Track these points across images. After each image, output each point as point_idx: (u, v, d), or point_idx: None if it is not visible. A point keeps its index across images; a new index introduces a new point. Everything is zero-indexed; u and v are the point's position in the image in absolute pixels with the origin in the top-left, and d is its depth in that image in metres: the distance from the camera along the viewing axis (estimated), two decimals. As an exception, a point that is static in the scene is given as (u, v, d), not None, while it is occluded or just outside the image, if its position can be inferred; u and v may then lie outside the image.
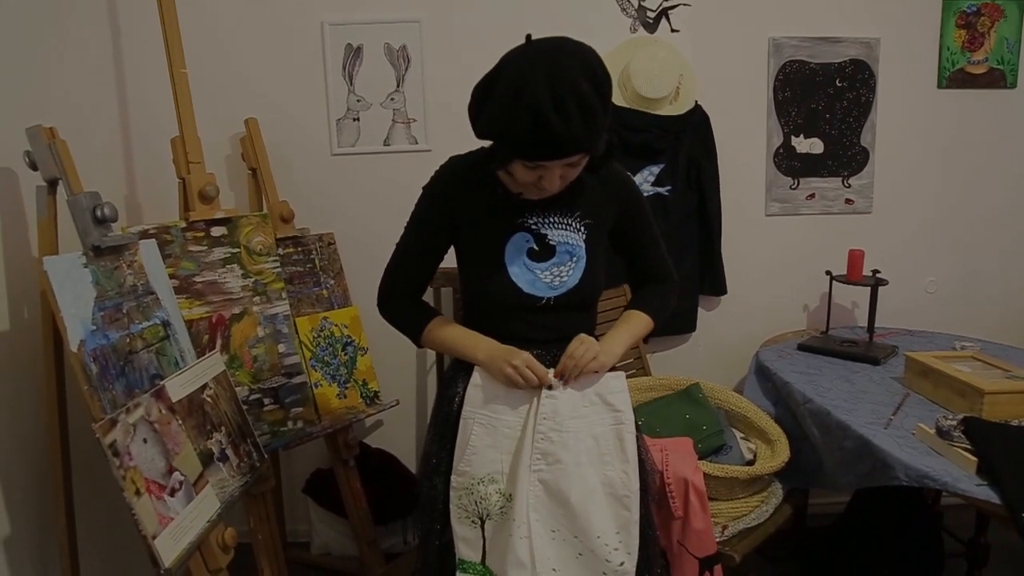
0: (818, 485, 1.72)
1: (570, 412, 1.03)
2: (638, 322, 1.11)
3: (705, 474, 1.51)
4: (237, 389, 1.50)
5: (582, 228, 1.05)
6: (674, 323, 2.17)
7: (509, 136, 0.89)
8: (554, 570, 1.02)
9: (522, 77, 0.86)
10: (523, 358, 1.00)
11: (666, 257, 1.17)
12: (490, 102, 0.91)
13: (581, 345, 1.01)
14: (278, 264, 1.73)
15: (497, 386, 1.02)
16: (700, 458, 1.60)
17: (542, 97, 0.85)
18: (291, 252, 1.86)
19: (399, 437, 2.28)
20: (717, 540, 1.54)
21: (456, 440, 1.08)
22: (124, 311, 1.24)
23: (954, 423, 1.39)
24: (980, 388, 1.47)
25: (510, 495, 1.02)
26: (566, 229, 1.04)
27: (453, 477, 1.05)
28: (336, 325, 1.87)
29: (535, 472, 1.01)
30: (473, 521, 1.04)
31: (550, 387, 0.98)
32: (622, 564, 1.03)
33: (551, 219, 1.03)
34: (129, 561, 1.70)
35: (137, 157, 1.91)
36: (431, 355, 2.17)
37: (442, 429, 1.14)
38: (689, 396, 1.77)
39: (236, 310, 1.65)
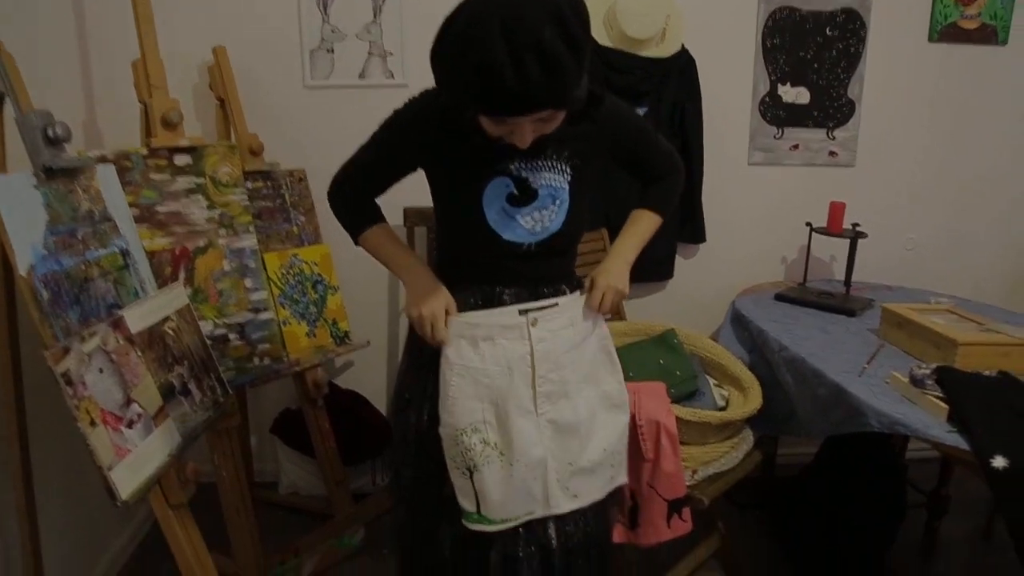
0: (790, 432, 1.72)
1: (562, 347, 1.02)
2: (647, 224, 1.08)
3: (677, 418, 1.48)
4: (201, 323, 1.47)
5: (568, 170, 1.01)
6: (652, 270, 2.15)
7: (464, 90, 0.82)
8: (575, 496, 1.04)
9: (475, 24, 0.77)
10: (432, 311, 0.95)
11: (666, 151, 1.12)
12: (442, 52, 0.83)
13: (601, 294, 0.99)
14: (246, 197, 1.69)
15: (473, 338, 1.00)
16: (673, 403, 1.56)
17: (495, 48, 0.75)
18: (260, 187, 1.80)
19: (369, 378, 2.24)
20: (687, 484, 1.53)
21: (430, 375, 1.07)
22: (79, 237, 1.21)
23: (927, 372, 1.40)
24: (954, 339, 1.47)
25: (501, 445, 1.00)
26: (550, 171, 0.99)
27: (440, 427, 1.03)
28: (306, 263, 1.83)
29: (543, 415, 1.00)
30: (463, 472, 1.03)
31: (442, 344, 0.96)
32: (620, 463, 1.09)
33: (534, 163, 0.98)
34: (88, 494, 1.69)
35: (98, 81, 1.83)
36: (404, 296, 2.01)
37: (416, 361, 1.11)
38: (664, 342, 1.73)
39: (201, 242, 1.61)
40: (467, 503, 1.04)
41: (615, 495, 1.19)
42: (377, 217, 1.06)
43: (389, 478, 1.16)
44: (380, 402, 2.22)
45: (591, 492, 1.10)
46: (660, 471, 1.44)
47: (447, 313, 0.95)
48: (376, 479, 2.10)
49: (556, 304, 0.97)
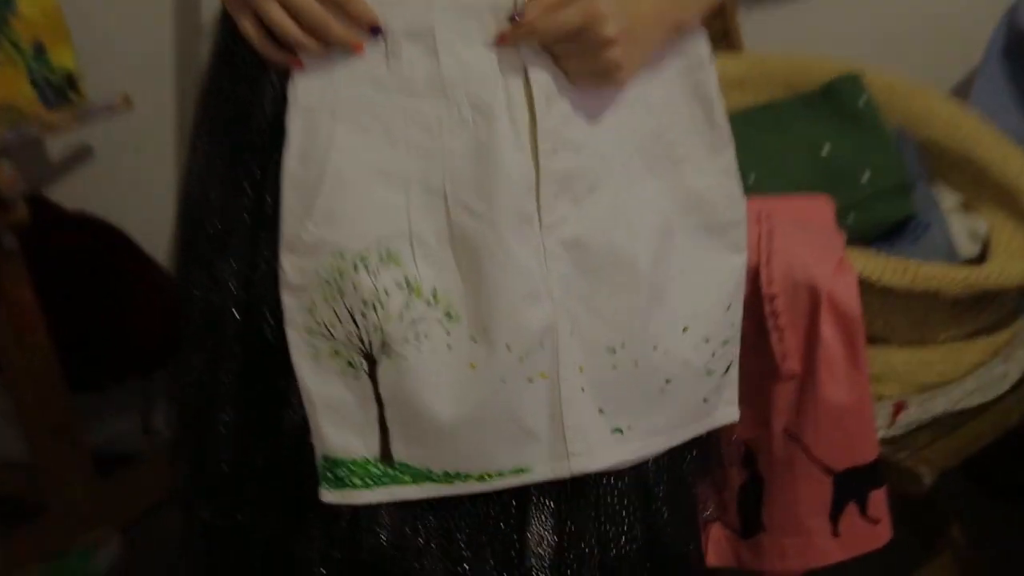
0: None
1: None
2: None
3: (864, 281, 1.31)
4: None
5: None
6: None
7: None
8: (625, 429, 1.01)
9: None
10: None
11: None
12: None
13: None
14: None
15: (385, 38, 0.94)
16: (854, 243, 1.39)
17: None
18: None
19: (134, 189, 2.10)
20: (881, 437, 1.35)
21: (269, 154, 0.98)
22: None
23: None
24: None
25: (451, 297, 0.96)
26: None
27: (286, 259, 0.94)
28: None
29: (551, 229, 0.94)
30: (350, 363, 0.96)
31: (376, 31, 0.94)
32: (727, 370, 1.05)
33: None
34: None
35: None
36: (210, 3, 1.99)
37: (221, 137, 1.03)
38: (832, 102, 1.58)
39: None
40: (348, 439, 0.97)
41: (708, 450, 1.11)
42: None
43: (173, 418, 1.10)
44: (157, 240, 1.97)
45: (659, 428, 1.03)
46: (818, 403, 1.29)
47: None
48: (149, 423, 1.92)
49: None
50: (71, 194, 2.11)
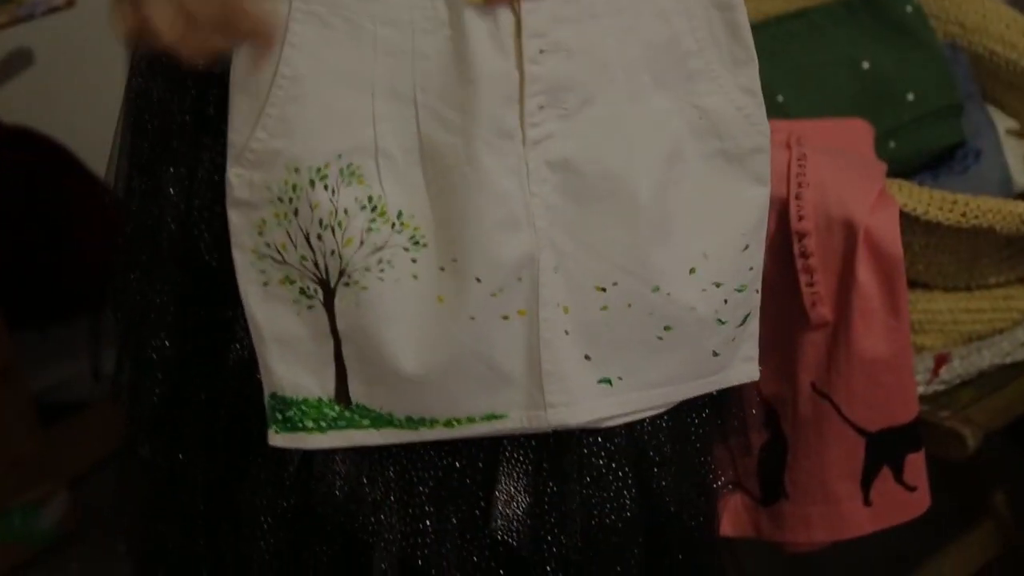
0: None
1: None
2: None
3: (906, 214, 1.28)
4: None
5: None
6: None
7: None
8: (614, 379, 0.98)
9: None
10: None
11: None
12: None
13: None
14: None
15: None
16: (895, 173, 1.34)
17: None
18: None
19: (76, 96, 2.05)
20: (920, 394, 1.29)
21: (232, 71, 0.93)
22: None
23: None
24: None
25: (419, 220, 0.93)
26: None
27: (232, 171, 0.91)
28: None
29: (536, 144, 0.91)
30: (303, 291, 0.93)
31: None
32: (744, 321, 1.01)
33: None
34: None
35: None
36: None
37: None
38: (873, 9, 1.55)
39: None
40: (301, 377, 0.95)
41: (723, 410, 1.09)
42: None
43: (117, 357, 1.09)
44: (104, 161, 1.62)
45: (655, 381, 1.01)
46: (852, 356, 1.24)
47: None
48: (101, 365, 1.74)
49: None
50: (7, 106, 2.03)
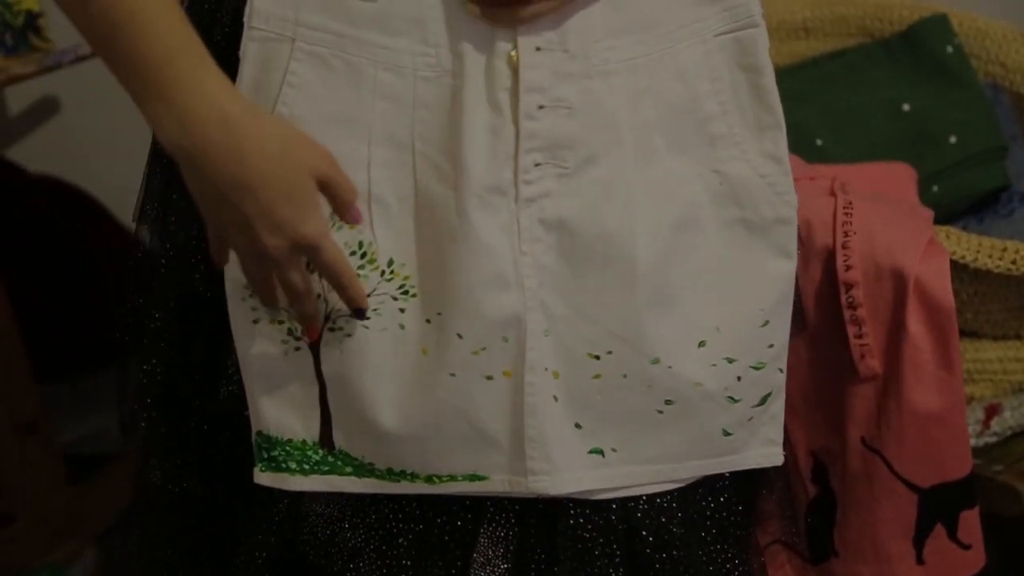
0: None
1: (608, 16, 0.93)
2: None
3: (955, 262, 1.27)
4: None
5: None
6: None
7: None
8: (607, 451, 0.97)
9: None
10: (315, 227, 0.90)
11: None
12: None
13: None
14: None
15: None
16: (939, 218, 1.32)
17: None
18: None
19: (102, 145, 2.05)
20: (972, 445, 1.28)
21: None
22: None
23: None
24: None
25: (409, 269, 0.93)
26: None
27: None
28: None
29: (529, 202, 0.91)
30: (291, 332, 0.94)
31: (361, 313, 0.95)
32: (763, 402, 0.99)
33: None
34: None
35: None
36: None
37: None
38: (914, 50, 1.55)
39: None
40: (289, 416, 0.97)
41: (747, 492, 1.07)
42: None
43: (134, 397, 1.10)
44: (131, 210, 1.68)
45: (654, 457, 1.01)
46: (903, 410, 1.22)
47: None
48: (127, 417, 1.96)
49: None
50: (34, 155, 2.07)
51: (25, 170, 1.95)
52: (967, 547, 1.22)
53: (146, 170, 1.06)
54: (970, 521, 1.22)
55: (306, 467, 0.97)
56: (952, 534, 1.22)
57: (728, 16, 0.93)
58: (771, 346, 0.97)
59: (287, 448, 0.96)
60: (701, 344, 0.96)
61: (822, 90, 1.53)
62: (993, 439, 1.34)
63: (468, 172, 0.90)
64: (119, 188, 1.84)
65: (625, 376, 0.93)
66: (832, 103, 1.51)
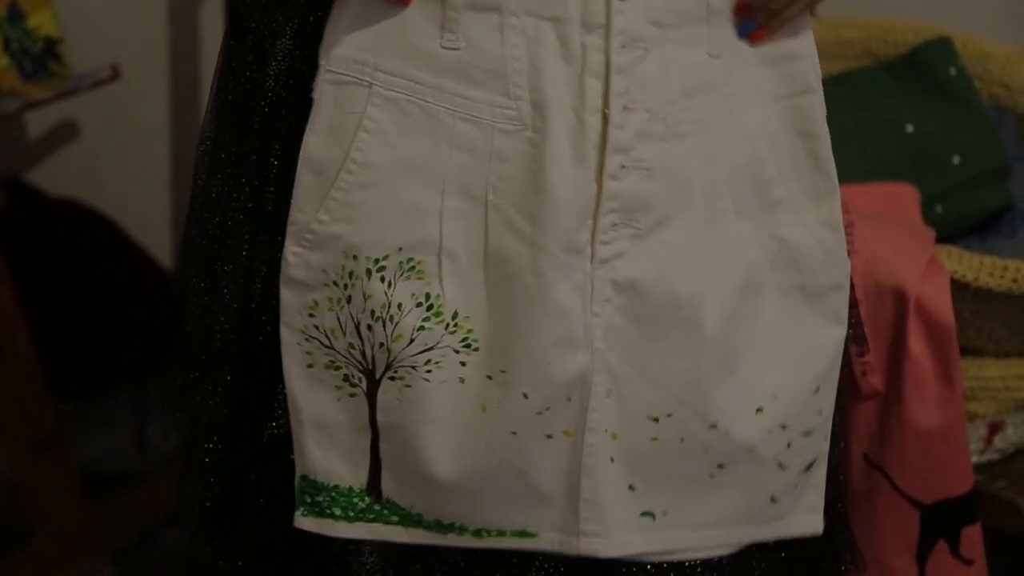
0: None
1: (677, 79, 0.92)
2: None
3: (956, 281, 1.27)
4: None
5: None
6: None
7: None
8: (658, 514, 0.97)
9: None
10: None
11: None
12: None
13: None
14: None
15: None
16: (942, 237, 1.35)
17: None
18: None
19: (121, 169, 2.06)
20: (974, 463, 1.29)
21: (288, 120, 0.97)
22: None
23: None
24: None
25: (475, 323, 0.92)
26: None
27: (290, 249, 0.92)
28: None
29: (603, 264, 0.90)
30: (347, 379, 0.93)
31: None
32: (809, 468, 0.99)
33: None
34: None
35: None
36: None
37: (227, 122, 1.02)
38: (918, 72, 1.55)
39: None
40: (335, 464, 0.96)
41: (800, 554, 1.05)
42: None
43: (185, 423, 1.09)
44: (149, 233, 1.98)
45: (703, 522, 0.99)
46: (904, 427, 1.25)
47: None
48: (146, 436, 1.88)
49: None
50: (53, 178, 2.03)
51: (44, 193, 1.95)
52: (969, 563, 1.23)
53: (184, 239, 1.06)
54: (972, 537, 1.23)
55: (351, 514, 0.97)
56: (954, 550, 1.23)
57: (787, 81, 0.94)
58: (820, 412, 0.98)
59: (332, 494, 0.97)
60: (759, 411, 0.96)
61: (827, 111, 1.53)
62: (996, 456, 1.33)
63: (547, 230, 0.89)
64: (136, 210, 2.02)
65: (682, 440, 0.94)
66: (836, 124, 1.24)
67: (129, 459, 1.96)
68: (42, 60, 1.78)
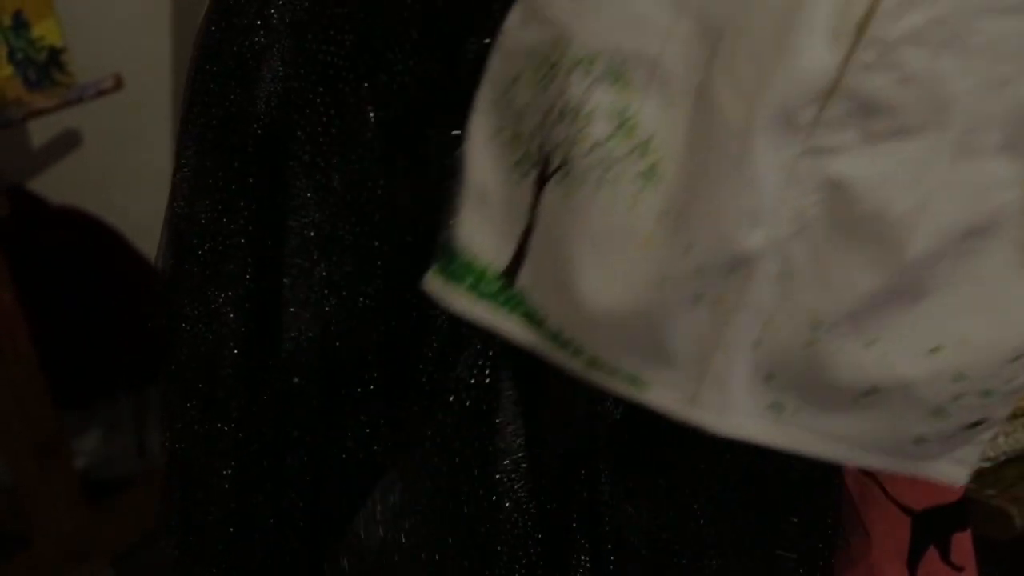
0: None
1: None
2: None
3: None
4: None
5: None
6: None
7: None
8: (789, 409, 0.94)
9: None
10: None
11: None
12: None
13: None
14: None
15: None
16: None
17: None
18: None
19: (124, 178, 2.08)
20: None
21: None
22: None
23: None
24: None
25: (662, 150, 0.88)
26: None
27: (516, 14, 0.87)
28: None
29: (818, 153, 0.85)
30: (525, 157, 0.88)
31: None
32: (975, 426, 0.94)
33: None
34: None
35: None
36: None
37: (207, 145, 0.96)
38: None
39: None
40: (486, 233, 0.91)
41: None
42: None
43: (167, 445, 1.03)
44: (151, 242, 1.74)
45: (834, 433, 0.95)
46: None
47: None
48: (146, 442, 1.93)
49: None
50: (55, 187, 2.06)
51: (47, 201, 1.97)
52: (960, 569, 1.24)
53: (166, 266, 0.93)
54: (963, 543, 1.23)
55: (479, 290, 0.91)
56: (945, 556, 1.23)
57: None
58: (1010, 381, 0.87)
59: (469, 263, 0.91)
60: (934, 350, 0.87)
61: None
62: (987, 464, 1.30)
63: (770, 96, 0.82)
64: (138, 219, 2.01)
65: (835, 353, 0.86)
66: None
67: (129, 464, 1.98)
68: (46, 70, 1.80)
